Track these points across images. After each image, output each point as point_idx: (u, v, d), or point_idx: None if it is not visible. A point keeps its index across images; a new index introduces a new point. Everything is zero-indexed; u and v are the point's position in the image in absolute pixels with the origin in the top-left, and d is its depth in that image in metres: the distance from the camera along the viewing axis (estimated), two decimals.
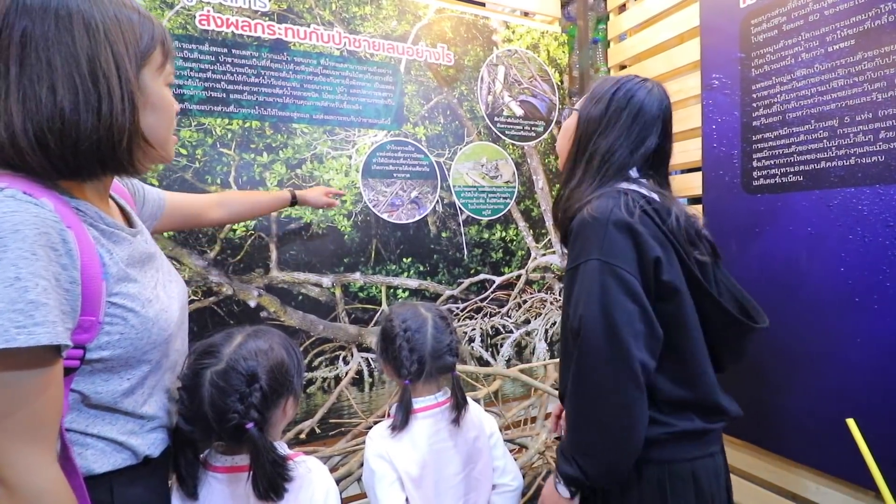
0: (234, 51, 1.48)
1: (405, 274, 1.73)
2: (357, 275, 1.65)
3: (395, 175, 1.72)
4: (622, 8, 2.13)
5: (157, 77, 0.63)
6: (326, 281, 1.60)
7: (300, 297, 1.56)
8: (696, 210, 1.65)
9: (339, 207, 1.62)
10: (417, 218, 1.76)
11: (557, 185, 2.07)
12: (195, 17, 1.44)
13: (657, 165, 0.89)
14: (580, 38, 2.08)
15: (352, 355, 1.63)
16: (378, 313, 1.68)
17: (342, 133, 1.63)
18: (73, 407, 0.57)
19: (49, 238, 0.49)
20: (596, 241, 0.75)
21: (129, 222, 0.71)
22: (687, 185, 1.75)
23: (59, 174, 0.56)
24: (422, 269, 1.77)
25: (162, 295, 0.66)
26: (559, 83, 2.09)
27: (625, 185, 0.83)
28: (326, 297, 1.60)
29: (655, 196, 0.84)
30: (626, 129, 0.82)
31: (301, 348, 1.54)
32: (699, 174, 1.67)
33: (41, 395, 0.50)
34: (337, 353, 1.61)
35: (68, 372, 0.55)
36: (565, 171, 0.89)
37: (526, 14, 2.16)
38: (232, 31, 1.48)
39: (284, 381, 0.75)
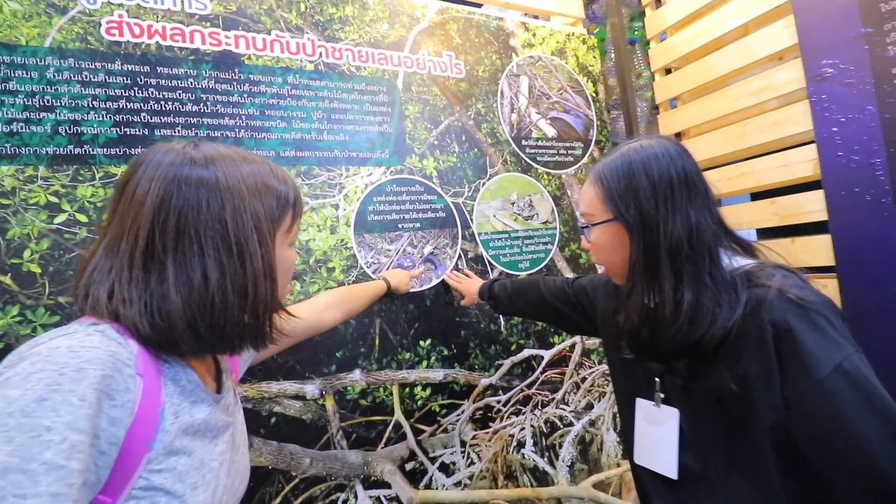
0: (160, 69, 1.03)
1: (424, 363, 1.23)
2: (356, 374, 1.14)
3: (400, 226, 1.25)
4: (658, 2, 1.75)
5: (284, 240, 0.58)
6: (312, 389, 1.08)
7: (273, 420, 1.04)
8: (825, 240, 1.19)
9: (325, 277, 1.14)
10: (435, 282, 1.27)
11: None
12: (100, 24, 1.00)
13: None
14: (616, 39, 1.68)
15: (356, 497, 1.10)
16: (389, 425, 1.16)
17: (323, 174, 1.17)
18: None
19: (111, 383, 0.44)
20: (838, 328, 0.57)
21: (219, 383, 0.60)
22: (798, 207, 1.30)
23: (196, 352, 0.53)
24: (446, 352, 1.26)
25: (222, 478, 0.53)
26: (594, 94, 1.67)
27: (759, 263, 0.66)
28: (313, 412, 1.08)
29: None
30: (688, 200, 0.66)
31: (278, 500, 1.02)
32: (818, 193, 1.22)
33: None
34: (334, 496, 1.08)
35: None
36: (640, 284, 0.66)
37: (536, 17, 1.77)
38: (156, 43, 1.04)
39: None
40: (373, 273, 1.19)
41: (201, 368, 0.55)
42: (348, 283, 1.16)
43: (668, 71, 1.74)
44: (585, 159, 1.61)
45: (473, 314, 1.32)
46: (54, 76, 0.95)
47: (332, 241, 1.15)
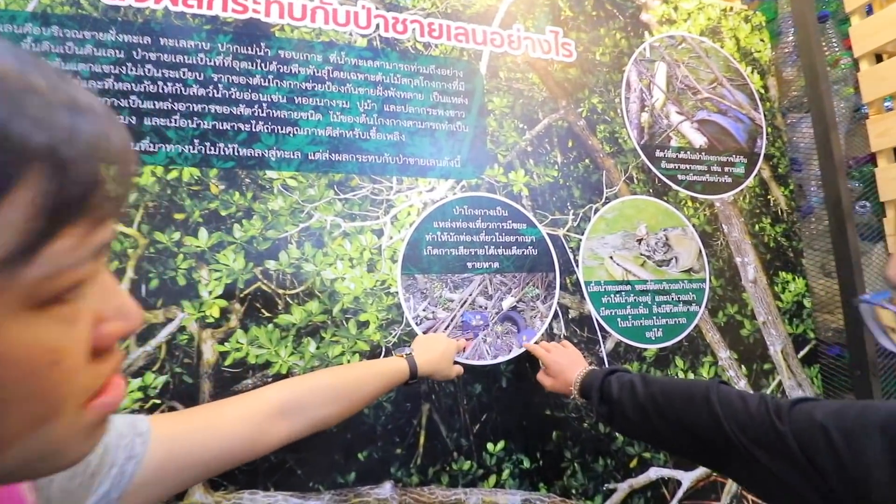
0: (163, 41, 0.77)
1: (492, 479, 0.80)
2: (386, 488, 0.74)
3: (470, 265, 0.85)
4: None
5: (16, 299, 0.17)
6: None
7: None
8: None
9: (352, 335, 0.78)
10: (516, 352, 0.85)
11: (788, 278, 1.08)
12: None
13: None
14: (799, 13, 1.17)
15: None
16: None
17: (365, 186, 0.82)
18: None
19: None
20: None
21: None
22: None
23: None
24: (527, 464, 0.82)
25: None
26: (762, 91, 1.17)
27: None
28: None
29: None
30: None
31: None
32: None
33: None
34: None
35: None
36: None
37: None
38: (164, 8, 0.79)
39: None
40: (423, 333, 0.80)
41: None
42: (386, 346, 0.78)
43: (879, 58, 1.18)
44: (751, 181, 1.10)
45: (572, 406, 0.87)
46: (31, 47, 0.73)
47: (369, 283, 0.79)
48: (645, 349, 0.93)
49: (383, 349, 0.78)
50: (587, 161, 0.97)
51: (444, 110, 0.89)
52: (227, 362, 0.71)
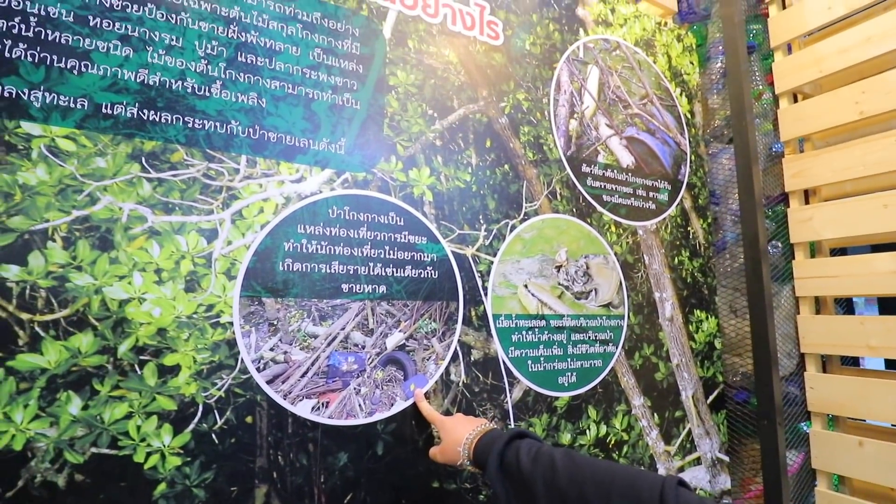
0: None
1: None
2: None
3: (345, 288, 0.63)
4: (784, 2, 1.22)
5: None
6: None
7: None
8: None
9: (150, 389, 0.51)
10: (400, 406, 0.64)
11: (702, 317, 1.01)
12: None
13: None
14: (730, 40, 1.12)
15: None
16: None
17: (196, 165, 0.56)
18: None
19: None
20: None
21: None
22: None
23: None
24: None
25: None
26: (688, 115, 1.10)
27: None
28: None
29: None
30: None
31: None
32: None
33: None
34: None
35: None
36: None
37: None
38: None
39: None
40: (267, 383, 0.56)
41: None
42: (220, 409, 0.53)
43: (796, 98, 1.18)
44: (673, 209, 1.01)
45: (466, 475, 0.68)
46: None
47: (187, 308, 0.53)
48: (556, 398, 0.78)
49: (200, 407, 0.53)
50: (507, 167, 0.80)
51: (328, 75, 0.66)
52: None
